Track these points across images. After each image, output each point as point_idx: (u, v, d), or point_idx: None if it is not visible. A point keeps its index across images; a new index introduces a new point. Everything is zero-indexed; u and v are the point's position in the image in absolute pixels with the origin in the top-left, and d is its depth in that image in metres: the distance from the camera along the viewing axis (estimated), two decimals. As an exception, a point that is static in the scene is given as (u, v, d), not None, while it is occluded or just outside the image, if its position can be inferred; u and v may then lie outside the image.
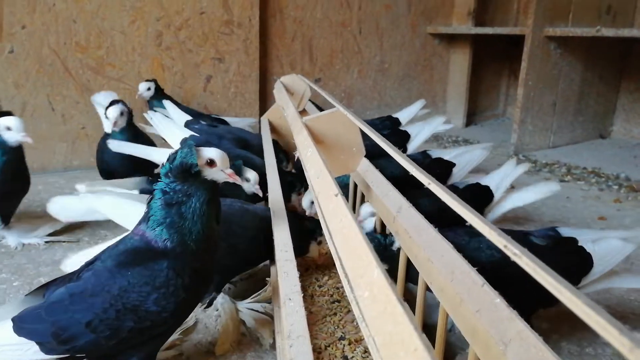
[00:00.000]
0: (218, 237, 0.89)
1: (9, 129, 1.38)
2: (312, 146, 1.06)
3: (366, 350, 1.06)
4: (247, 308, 1.16)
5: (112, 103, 1.73)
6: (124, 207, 1.14)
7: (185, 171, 0.82)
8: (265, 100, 2.81)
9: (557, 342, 1.14)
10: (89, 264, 0.86)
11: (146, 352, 0.86)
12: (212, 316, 1.18)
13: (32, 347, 0.79)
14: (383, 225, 1.22)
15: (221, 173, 0.87)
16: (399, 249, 1.06)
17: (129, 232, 0.89)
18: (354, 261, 0.52)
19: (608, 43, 2.86)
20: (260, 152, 1.78)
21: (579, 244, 1.07)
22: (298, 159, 1.50)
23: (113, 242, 0.91)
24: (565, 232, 1.11)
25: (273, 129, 2.21)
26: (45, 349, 0.79)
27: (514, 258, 0.39)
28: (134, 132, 1.79)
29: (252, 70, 2.68)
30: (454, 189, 1.40)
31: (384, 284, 0.44)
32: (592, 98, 3.03)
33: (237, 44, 2.61)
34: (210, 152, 0.86)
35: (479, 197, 1.41)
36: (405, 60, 3.31)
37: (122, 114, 1.71)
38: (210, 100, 2.62)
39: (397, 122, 2.26)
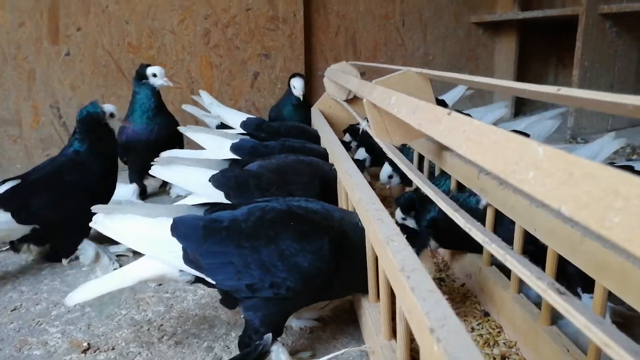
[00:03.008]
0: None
1: (154, 75, 1.76)
2: (395, 93, 1.01)
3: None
4: None
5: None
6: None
7: None
8: (311, 96, 2.80)
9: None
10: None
11: (273, 309, 0.86)
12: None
13: (178, 250, 0.82)
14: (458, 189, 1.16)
15: None
16: (485, 207, 1.00)
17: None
18: (500, 155, 0.47)
19: (667, 19, 2.72)
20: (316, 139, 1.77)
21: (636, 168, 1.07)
22: (364, 132, 1.47)
23: None
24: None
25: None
26: (187, 258, 0.82)
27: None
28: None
29: (297, 65, 2.68)
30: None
31: (559, 154, 0.39)
32: (651, 78, 2.89)
33: (282, 39, 2.61)
34: None
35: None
36: (450, 51, 3.24)
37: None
38: (257, 97, 2.62)
39: (443, 103, 2.20)
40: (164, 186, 2.01)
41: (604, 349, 0.32)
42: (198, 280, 0.88)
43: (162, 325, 1.09)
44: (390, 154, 1.04)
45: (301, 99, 2.14)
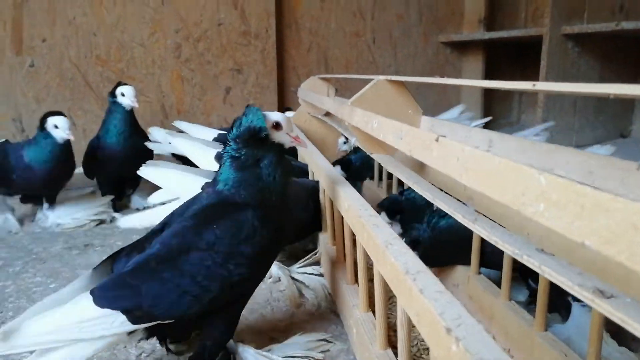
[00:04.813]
0: (289, 196, 0.87)
1: (56, 127, 1.58)
2: (376, 116, 1.01)
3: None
4: (300, 272, 1.24)
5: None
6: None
7: (253, 136, 0.80)
8: (283, 111, 2.78)
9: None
10: (156, 231, 0.81)
11: (231, 314, 0.83)
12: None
13: (117, 317, 0.71)
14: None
15: (287, 136, 0.84)
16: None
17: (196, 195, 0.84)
18: (505, 186, 0.46)
19: (624, 41, 2.85)
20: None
21: None
22: (357, 148, 1.47)
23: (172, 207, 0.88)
24: None
25: (299, 132, 2.17)
26: (133, 317, 0.72)
27: None
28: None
29: (270, 81, 2.66)
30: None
31: (562, 184, 0.38)
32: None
33: (254, 55, 2.59)
34: (276, 116, 0.84)
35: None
36: (419, 69, 3.30)
37: None
38: (230, 112, 2.58)
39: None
40: (121, 199, 1.94)
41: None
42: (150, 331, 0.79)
43: (139, 342, 1.04)
44: (391, 169, 1.03)
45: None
